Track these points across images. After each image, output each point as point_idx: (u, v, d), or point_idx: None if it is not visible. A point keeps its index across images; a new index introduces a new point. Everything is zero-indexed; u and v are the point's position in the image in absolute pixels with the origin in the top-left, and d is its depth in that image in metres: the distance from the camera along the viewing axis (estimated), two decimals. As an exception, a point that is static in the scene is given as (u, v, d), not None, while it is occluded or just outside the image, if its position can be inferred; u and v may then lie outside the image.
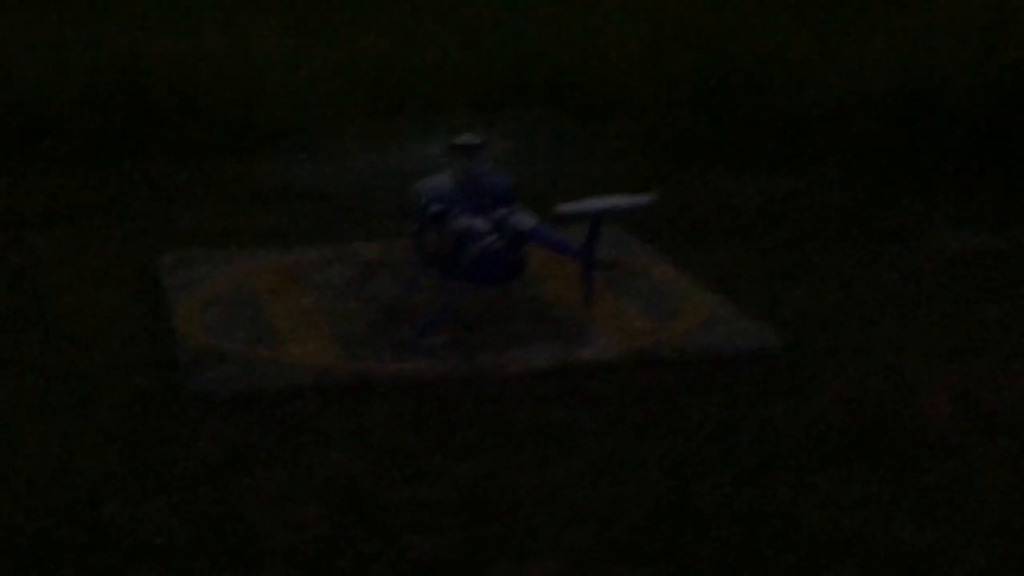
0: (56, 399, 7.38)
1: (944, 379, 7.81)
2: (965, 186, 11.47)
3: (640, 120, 13.03)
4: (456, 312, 8.38)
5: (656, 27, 14.56)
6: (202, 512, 6.23)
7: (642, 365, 7.90)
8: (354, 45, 14.16)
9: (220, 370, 7.68)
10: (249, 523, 6.14)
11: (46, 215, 10.75)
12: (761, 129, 12.61)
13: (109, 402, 7.36)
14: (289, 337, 8.17)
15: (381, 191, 11.17)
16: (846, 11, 14.93)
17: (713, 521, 6.20)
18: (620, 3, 15.53)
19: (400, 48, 14.03)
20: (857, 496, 6.46)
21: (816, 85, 12.88)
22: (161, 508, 6.26)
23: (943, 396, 7.59)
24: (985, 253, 10.04)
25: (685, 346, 8.12)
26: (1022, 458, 6.93)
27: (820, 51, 13.44)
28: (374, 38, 14.45)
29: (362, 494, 6.41)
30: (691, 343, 8.17)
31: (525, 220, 8.20)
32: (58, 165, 11.90)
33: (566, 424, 7.18)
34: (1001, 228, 10.60)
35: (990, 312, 8.91)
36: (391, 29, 14.70)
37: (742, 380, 7.75)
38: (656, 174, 11.70)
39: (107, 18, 15.02)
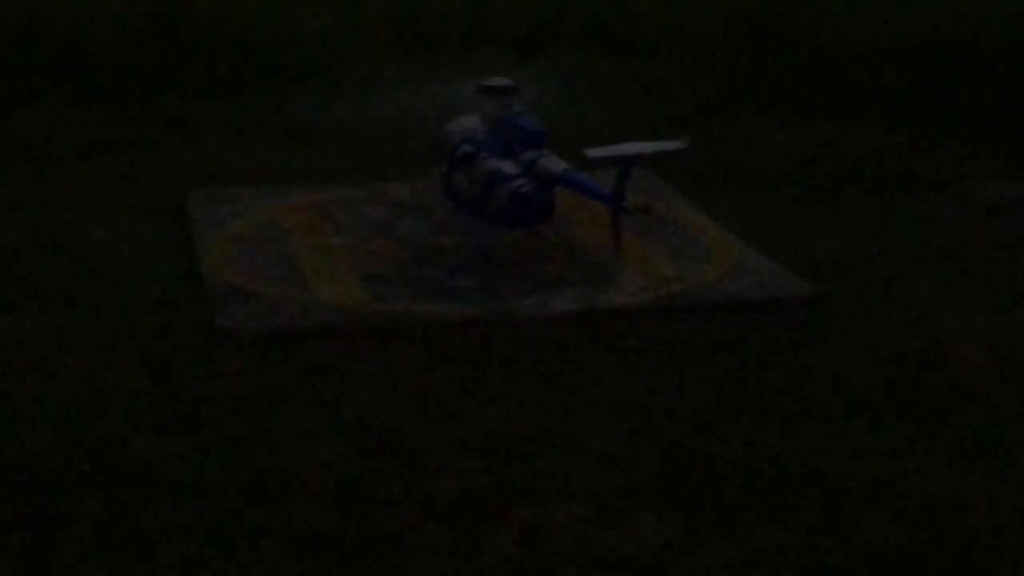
0: (84, 335, 7.41)
1: (978, 329, 7.75)
2: (1004, 134, 11.34)
3: (673, 63, 12.91)
4: (485, 254, 8.35)
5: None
6: (229, 449, 6.25)
7: (670, 311, 7.87)
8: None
9: (248, 308, 7.69)
10: (276, 461, 6.16)
11: (77, 150, 10.75)
12: (796, 74, 12.47)
13: (137, 338, 7.38)
14: (317, 276, 8.17)
15: (412, 132, 11.12)
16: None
17: (739, 469, 6.19)
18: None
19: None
20: (886, 445, 6.44)
21: (853, 29, 12.72)
22: (188, 445, 6.29)
23: (976, 346, 7.54)
24: (1020, 201, 9.93)
25: (714, 293, 8.09)
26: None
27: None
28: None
29: (388, 434, 6.42)
30: (720, 290, 8.13)
31: (555, 163, 8.16)
32: (89, 100, 11.88)
33: (592, 369, 7.17)
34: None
35: None
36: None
37: (771, 328, 7.71)
38: (689, 118, 11.61)
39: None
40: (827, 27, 12.81)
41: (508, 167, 8.14)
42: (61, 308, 7.75)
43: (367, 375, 7.04)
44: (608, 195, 8.02)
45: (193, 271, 8.27)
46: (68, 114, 11.59)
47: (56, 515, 5.68)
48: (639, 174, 9.10)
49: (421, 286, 8.05)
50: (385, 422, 6.54)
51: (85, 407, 6.61)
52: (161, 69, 12.34)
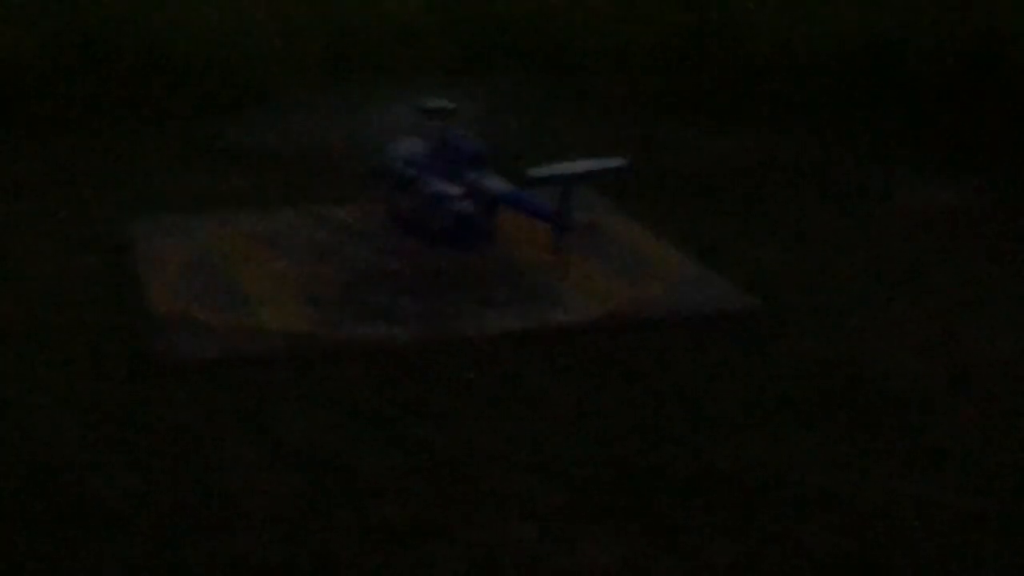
0: (28, 365, 7.35)
1: (915, 338, 7.85)
2: (931, 142, 11.50)
3: (610, 78, 12.98)
4: (429, 276, 8.36)
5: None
6: (175, 479, 6.22)
7: (615, 328, 7.91)
8: (323, 5, 14.05)
9: (193, 336, 7.65)
10: (222, 489, 6.14)
11: (14, 183, 10.66)
12: (731, 86, 12.59)
13: (81, 368, 7.33)
14: (262, 302, 8.14)
15: (353, 155, 11.12)
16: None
17: (687, 483, 6.23)
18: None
19: (371, 8, 13.93)
20: (830, 455, 6.50)
21: (785, 42, 12.85)
22: (135, 476, 6.25)
23: (913, 354, 7.63)
24: (950, 209, 10.08)
25: (658, 309, 8.14)
26: (990, 408, 6.99)
27: (789, 7, 13.39)
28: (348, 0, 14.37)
29: (335, 459, 6.41)
30: (663, 305, 8.18)
31: (497, 184, 8.18)
32: (24, 131, 11.80)
33: (538, 387, 7.19)
34: (965, 184, 10.65)
35: (956, 267, 8.95)
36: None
37: (715, 342, 7.77)
38: (627, 133, 11.68)
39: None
40: (760, 40, 12.93)
41: (450, 188, 8.16)
42: (5, 339, 7.67)
43: (313, 400, 7.03)
44: (551, 213, 8.06)
45: (137, 300, 8.23)
46: (8, 147, 11.49)
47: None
48: (580, 190, 9.14)
49: (366, 310, 8.04)
50: (331, 448, 6.53)
51: (29, 438, 6.55)
52: (96, 98, 12.26)
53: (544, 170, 8.43)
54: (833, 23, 12.97)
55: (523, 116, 12.17)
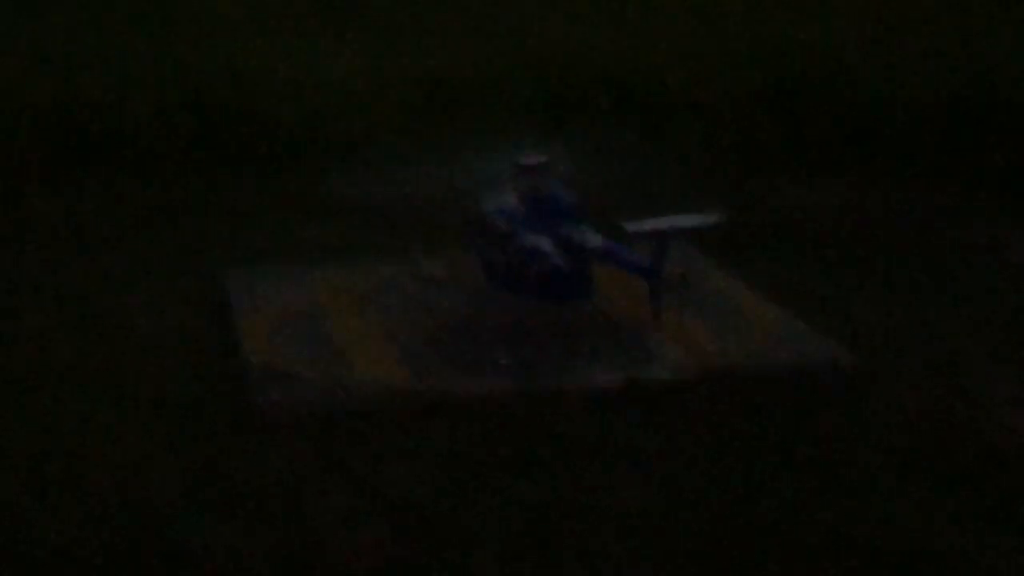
0: (126, 417, 7.42)
1: (1018, 392, 7.69)
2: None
3: (704, 128, 12.93)
4: (523, 329, 8.34)
5: (718, 32, 14.46)
6: (270, 531, 6.22)
7: (710, 383, 7.83)
8: (418, 59, 14.17)
9: (288, 388, 7.68)
10: (317, 543, 6.14)
11: (113, 231, 10.81)
12: (830, 136, 12.49)
13: (177, 420, 7.38)
14: (355, 355, 8.16)
15: (447, 207, 11.14)
16: (913, 13, 14.77)
17: (780, 539, 6.13)
18: (680, 10, 15.44)
19: (465, 60, 14.02)
20: (926, 513, 6.37)
21: (887, 91, 12.73)
22: (230, 527, 6.27)
23: (1018, 413, 7.47)
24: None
25: (753, 364, 8.05)
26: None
27: (892, 56, 13.28)
28: (438, 51, 14.46)
29: (430, 514, 6.39)
30: (759, 360, 8.09)
31: (591, 238, 8.16)
32: (124, 181, 11.97)
33: (633, 443, 7.13)
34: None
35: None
36: (455, 41, 14.70)
37: (811, 397, 7.66)
38: (722, 184, 11.61)
39: (174, 31, 15.12)
40: (859, 91, 12.82)
41: (544, 243, 8.14)
42: (100, 391, 7.76)
43: (405, 453, 7.01)
44: (646, 268, 8.01)
45: (232, 351, 8.28)
46: (103, 195, 11.66)
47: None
48: (675, 243, 9.08)
49: (460, 363, 8.03)
50: (426, 501, 6.51)
51: (127, 490, 6.60)
52: (194, 148, 12.43)
53: (639, 224, 8.39)
54: (936, 73, 12.83)
55: (618, 168, 12.15)
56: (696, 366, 8.01)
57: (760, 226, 10.79)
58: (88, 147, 12.38)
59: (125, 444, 7.12)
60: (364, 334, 8.50)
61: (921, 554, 6.04)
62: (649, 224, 8.31)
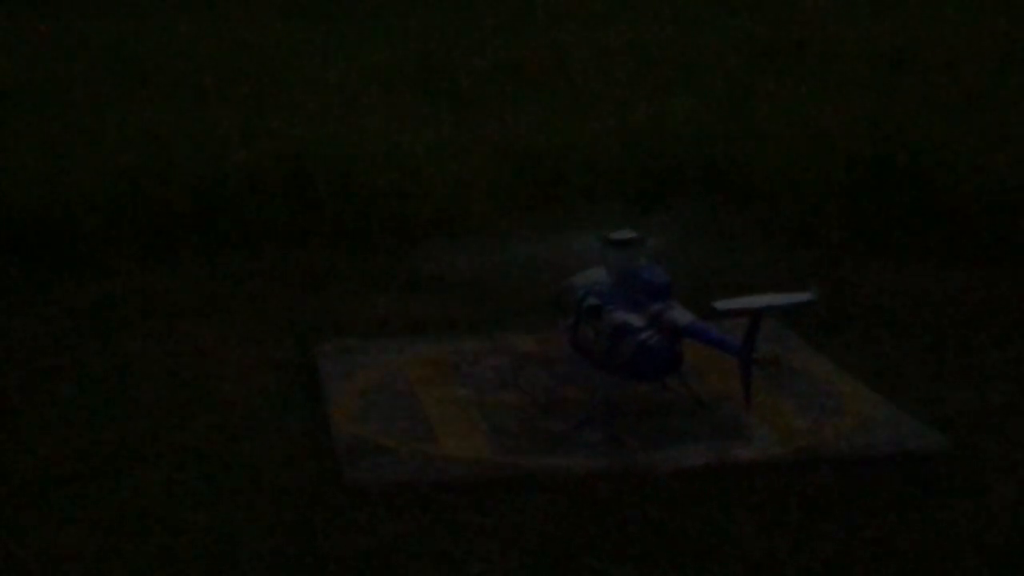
0: (216, 487, 7.47)
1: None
2: None
3: (799, 209, 12.85)
4: (612, 406, 8.30)
5: (814, 113, 14.41)
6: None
7: (801, 465, 7.73)
8: (509, 135, 14.26)
9: (376, 462, 7.71)
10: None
11: (207, 302, 10.94)
12: (921, 220, 12.36)
13: (268, 491, 7.42)
14: (443, 429, 8.17)
15: (537, 283, 11.16)
16: (1006, 98, 14.65)
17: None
18: (777, 89, 15.42)
19: (556, 137, 14.08)
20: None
21: (981, 175, 12.59)
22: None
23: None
24: None
25: (845, 446, 7.95)
26: None
27: (985, 140, 13.14)
28: (529, 128, 14.55)
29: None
30: (851, 443, 7.99)
31: (681, 315, 8.12)
32: (218, 252, 12.13)
33: (722, 524, 7.04)
34: None
35: None
36: (546, 118, 14.78)
37: (904, 483, 7.53)
38: (814, 265, 11.51)
39: (270, 104, 15.35)
40: (950, 173, 12.70)
41: (634, 319, 8.12)
42: (193, 462, 7.82)
43: (494, 530, 6.98)
44: (737, 347, 7.96)
45: (321, 424, 8.32)
46: (198, 266, 11.82)
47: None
48: (767, 323, 9.02)
49: (548, 439, 8.01)
50: (513, 578, 6.48)
51: (218, 561, 6.62)
52: (288, 222, 12.57)
53: (730, 302, 8.35)
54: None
55: (709, 246, 12.11)
56: (787, 447, 7.92)
57: (852, 308, 10.68)
58: (185, 217, 12.56)
59: (216, 513, 7.16)
60: (453, 407, 8.51)
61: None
62: (740, 303, 8.26)
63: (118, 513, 7.17)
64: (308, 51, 17.47)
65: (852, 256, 11.92)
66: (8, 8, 20.22)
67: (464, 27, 18.66)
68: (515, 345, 9.64)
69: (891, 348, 9.78)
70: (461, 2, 20.14)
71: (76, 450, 7.96)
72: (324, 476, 7.61)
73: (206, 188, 12.84)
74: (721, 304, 8.21)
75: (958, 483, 7.54)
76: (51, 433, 8.24)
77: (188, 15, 19.07)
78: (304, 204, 12.78)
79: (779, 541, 6.85)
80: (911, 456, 7.86)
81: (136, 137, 13.75)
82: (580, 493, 7.37)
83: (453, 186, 13.04)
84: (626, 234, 8.50)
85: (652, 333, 8.07)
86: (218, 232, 12.46)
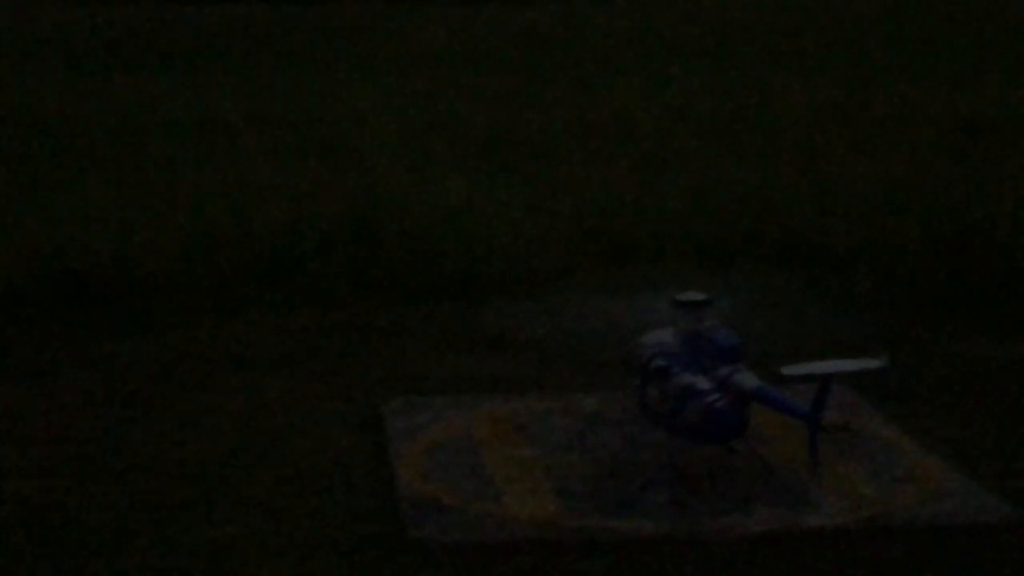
0: (282, 541, 7.50)
1: None
2: None
3: (868, 274, 12.78)
4: (678, 469, 8.27)
5: (887, 178, 14.36)
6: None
7: (869, 534, 7.65)
8: (580, 195, 14.32)
9: (440, 520, 7.71)
10: None
11: (279, 356, 11.04)
12: (998, 287, 12.24)
13: (333, 547, 7.45)
14: (508, 489, 8.17)
15: (605, 343, 11.15)
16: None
17: None
18: (850, 155, 15.39)
19: (626, 197, 14.13)
20: None
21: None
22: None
23: None
24: None
25: (915, 516, 7.85)
26: None
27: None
28: (599, 188, 14.60)
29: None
30: (921, 513, 7.89)
31: (749, 379, 8.09)
32: (291, 307, 12.25)
33: (789, 592, 6.98)
34: None
35: None
36: (618, 180, 14.83)
37: (976, 554, 7.43)
38: (885, 332, 11.43)
39: (342, 163, 15.53)
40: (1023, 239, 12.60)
41: (702, 382, 8.10)
42: (260, 515, 7.87)
43: (559, 591, 6.96)
44: (805, 412, 7.91)
45: (388, 481, 8.35)
46: (272, 321, 11.94)
47: None
48: (836, 389, 8.95)
49: (613, 501, 7.98)
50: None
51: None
52: (359, 278, 12.69)
53: (799, 367, 8.30)
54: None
55: (778, 310, 12.06)
56: (854, 514, 7.84)
57: (923, 376, 10.58)
58: (258, 272, 12.71)
59: (282, 567, 7.19)
60: (518, 467, 8.51)
61: None
62: (808, 368, 8.22)
63: (185, 565, 7.22)
64: (381, 108, 17.69)
65: (925, 323, 11.83)
66: (92, 63, 20.64)
67: (536, 88, 18.82)
68: (582, 405, 9.64)
69: (963, 417, 9.67)
70: (533, 63, 20.33)
71: (144, 501, 8.04)
72: (389, 533, 7.62)
73: (279, 244, 13.01)
74: (788, 369, 8.17)
75: (1029, 555, 7.44)
76: (122, 483, 8.34)
77: (264, 72, 19.38)
78: (375, 261, 12.90)
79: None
80: (981, 528, 7.75)
81: (212, 192, 13.96)
82: (644, 558, 7.34)
83: (523, 245, 13.10)
84: (695, 296, 8.49)
85: (719, 396, 8.04)
86: (291, 287, 12.60)
